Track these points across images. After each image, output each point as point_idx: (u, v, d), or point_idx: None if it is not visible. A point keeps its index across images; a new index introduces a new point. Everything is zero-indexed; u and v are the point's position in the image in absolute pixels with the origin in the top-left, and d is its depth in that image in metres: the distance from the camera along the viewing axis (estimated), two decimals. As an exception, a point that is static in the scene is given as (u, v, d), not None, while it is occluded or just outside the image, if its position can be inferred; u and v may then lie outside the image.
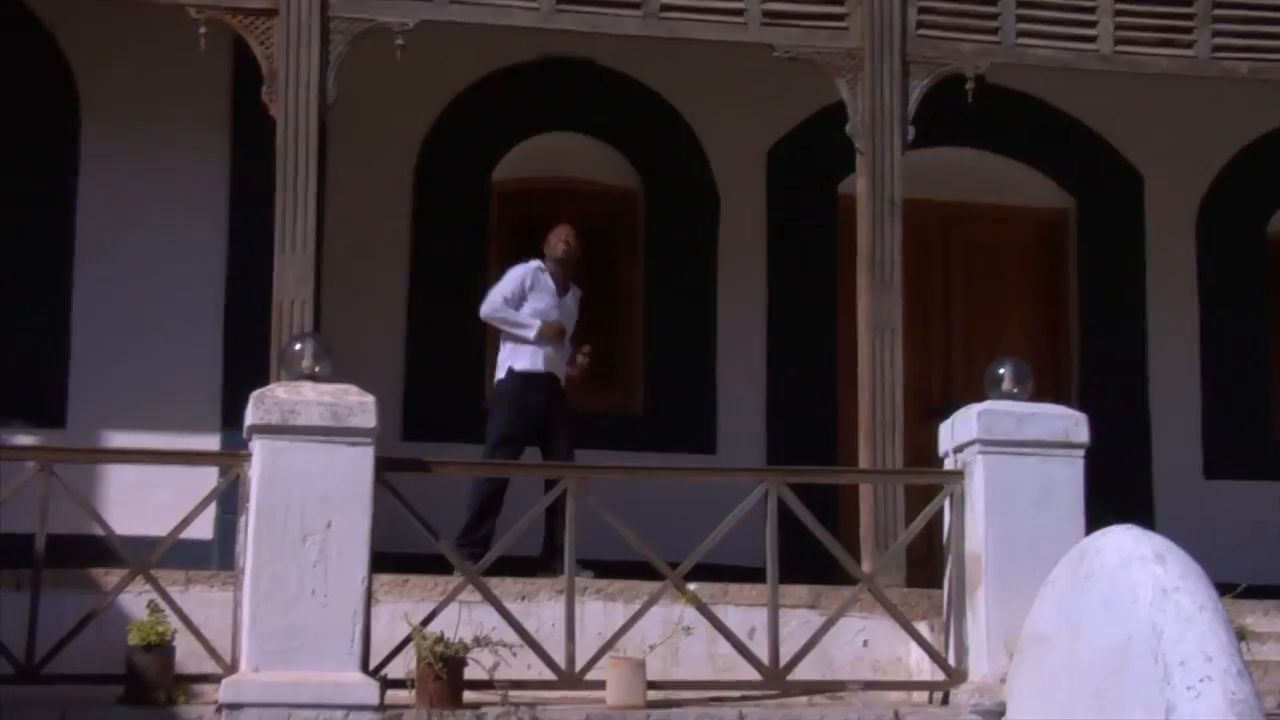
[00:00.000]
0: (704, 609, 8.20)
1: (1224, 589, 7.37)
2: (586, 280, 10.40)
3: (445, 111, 11.12)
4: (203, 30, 8.94)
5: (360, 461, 7.56)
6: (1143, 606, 6.88)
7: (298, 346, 7.95)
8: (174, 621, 7.55)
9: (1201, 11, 9.94)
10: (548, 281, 9.77)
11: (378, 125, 10.72)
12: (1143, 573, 6.99)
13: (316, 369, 7.80)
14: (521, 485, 9.28)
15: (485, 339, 11.07)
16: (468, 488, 9.42)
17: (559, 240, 9.83)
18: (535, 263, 9.82)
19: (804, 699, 8.18)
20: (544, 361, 9.66)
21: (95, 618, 7.62)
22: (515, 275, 9.77)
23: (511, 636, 7.85)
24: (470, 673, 7.64)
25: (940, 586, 8.40)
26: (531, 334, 9.62)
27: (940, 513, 8.32)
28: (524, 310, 9.68)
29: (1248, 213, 11.99)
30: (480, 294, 11.19)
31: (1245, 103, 11.55)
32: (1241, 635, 7.40)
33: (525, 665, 7.93)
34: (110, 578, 8.02)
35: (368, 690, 7.38)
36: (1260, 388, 11.90)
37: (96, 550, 8.11)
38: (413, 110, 11.01)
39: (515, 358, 9.67)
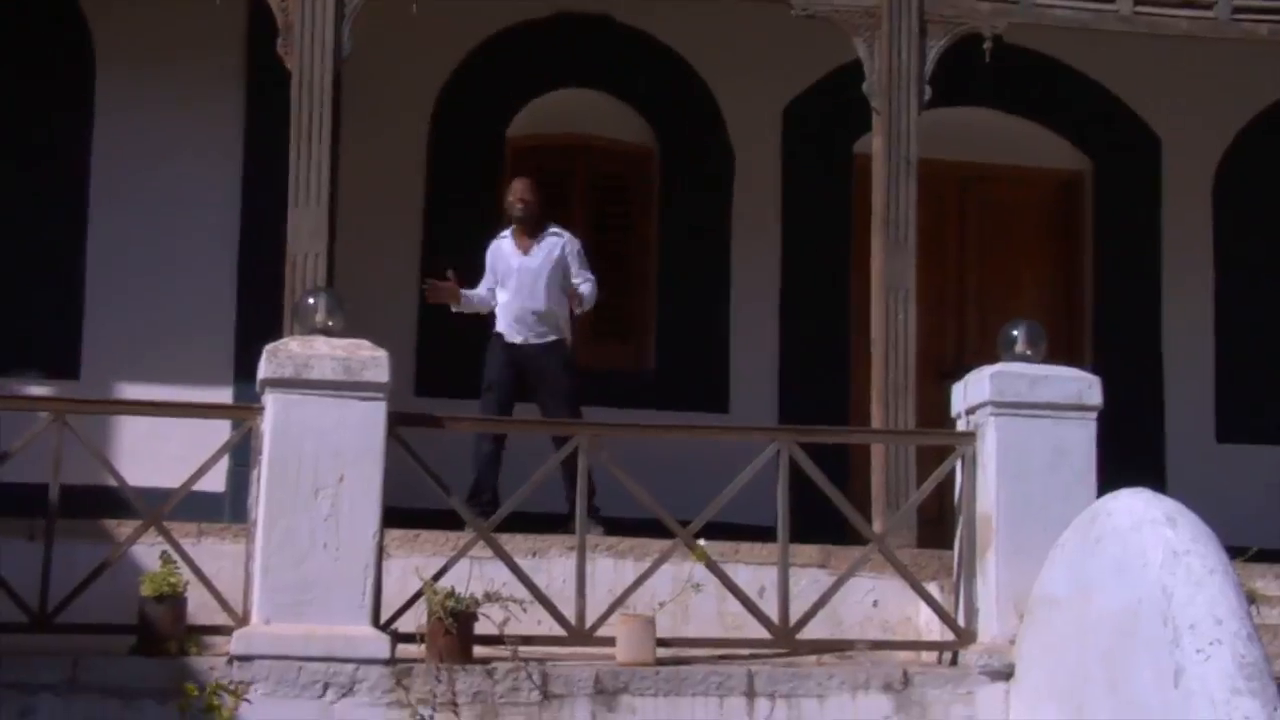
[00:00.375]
0: (714, 567, 8.21)
1: (1235, 552, 7.37)
2: (597, 237, 10.37)
3: (460, 67, 11.09)
4: (218, -18, 8.93)
5: (372, 416, 7.57)
6: (1153, 569, 6.89)
7: (311, 300, 7.95)
8: (186, 573, 7.56)
9: (1222, -28, 9.89)
10: (506, 245, 9.68)
11: (392, 80, 10.70)
12: (1153, 536, 7.00)
13: (330, 323, 7.80)
14: (539, 442, 9.20)
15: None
16: (470, 448, 9.47)
17: (514, 198, 9.71)
18: (501, 233, 9.79)
19: (813, 658, 8.19)
20: (512, 329, 9.62)
21: (108, 568, 7.64)
22: (487, 257, 9.77)
23: (522, 592, 7.87)
24: (481, 628, 7.66)
25: (951, 547, 8.40)
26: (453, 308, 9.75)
27: (952, 474, 8.31)
28: (499, 279, 9.68)
29: (1265, 176, 11.94)
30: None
31: (1264, 65, 11.47)
32: (1252, 599, 7.39)
33: (535, 621, 7.95)
34: (123, 529, 8.04)
35: (378, 644, 7.41)
36: (1274, 351, 11.86)
37: (109, 501, 8.12)
38: (427, 65, 10.98)
39: (495, 320, 9.74)
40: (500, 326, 9.67)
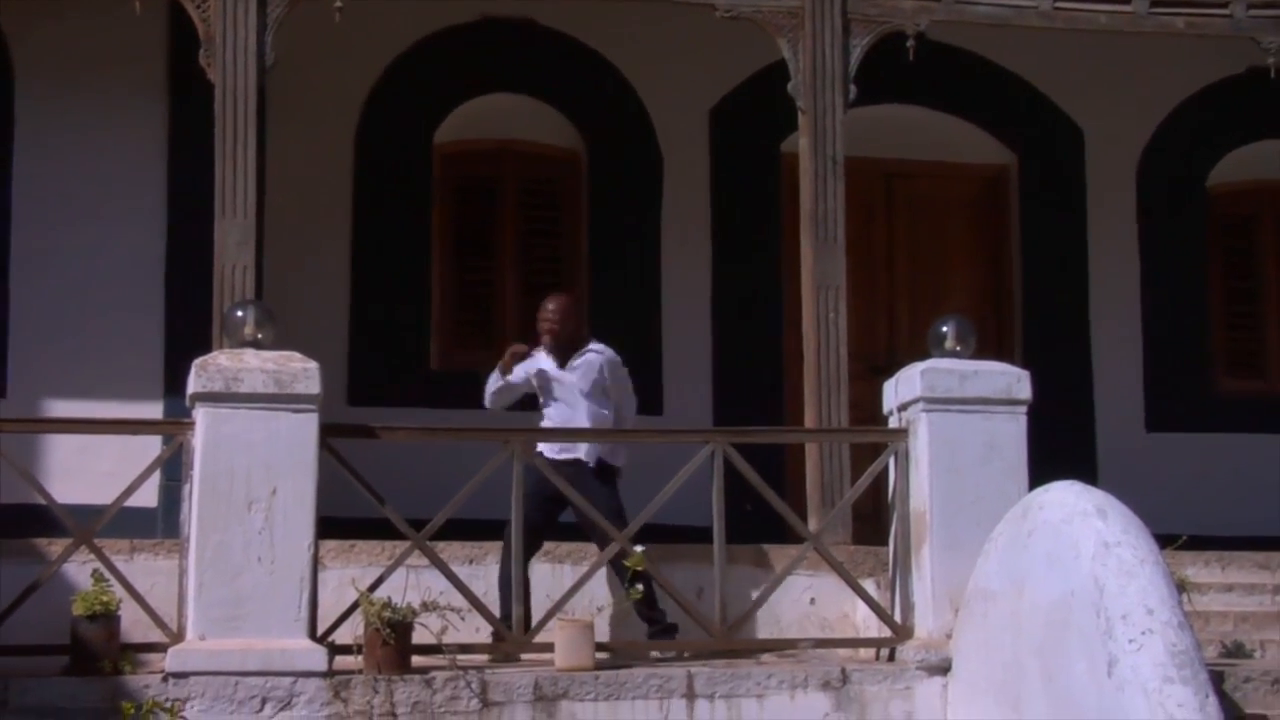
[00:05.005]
0: (651, 569, 8.22)
1: (1165, 541, 7.45)
2: (527, 242, 10.33)
3: (385, 74, 11.05)
4: (138, -6, 8.85)
5: (304, 428, 7.53)
6: (1085, 561, 6.96)
7: (240, 313, 7.90)
8: (119, 591, 7.50)
9: (1138, -33, 9.99)
10: (545, 360, 8.94)
11: (317, 89, 10.64)
12: (1084, 528, 7.07)
13: (259, 335, 7.75)
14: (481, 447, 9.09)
15: (429, 303, 11.07)
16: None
17: (540, 317, 8.96)
18: (537, 349, 9.02)
19: (752, 658, 8.23)
20: (552, 444, 8.70)
21: (39, 588, 7.56)
22: (525, 364, 9.00)
23: (459, 600, 7.86)
24: (418, 637, 7.64)
25: (886, 544, 8.45)
26: (494, 379, 9.00)
27: (885, 471, 8.36)
28: (536, 391, 8.96)
29: (1187, 166, 12.07)
30: (424, 259, 11.17)
31: (1183, 57, 11.62)
32: (1182, 587, 7.48)
33: (474, 629, 7.95)
34: (54, 547, 7.97)
35: (315, 656, 7.37)
36: (1201, 340, 12.01)
37: (39, 520, 8.05)
38: (352, 73, 10.93)
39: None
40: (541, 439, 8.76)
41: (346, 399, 10.42)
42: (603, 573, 8.28)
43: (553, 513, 8.58)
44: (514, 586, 8.01)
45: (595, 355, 8.91)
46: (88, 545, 7.66)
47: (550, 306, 8.95)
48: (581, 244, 11.34)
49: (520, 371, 8.97)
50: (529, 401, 9.11)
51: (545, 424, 8.92)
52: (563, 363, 8.89)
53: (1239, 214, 12.30)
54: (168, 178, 10.12)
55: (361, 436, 8.08)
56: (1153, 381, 11.88)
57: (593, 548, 8.47)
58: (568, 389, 8.85)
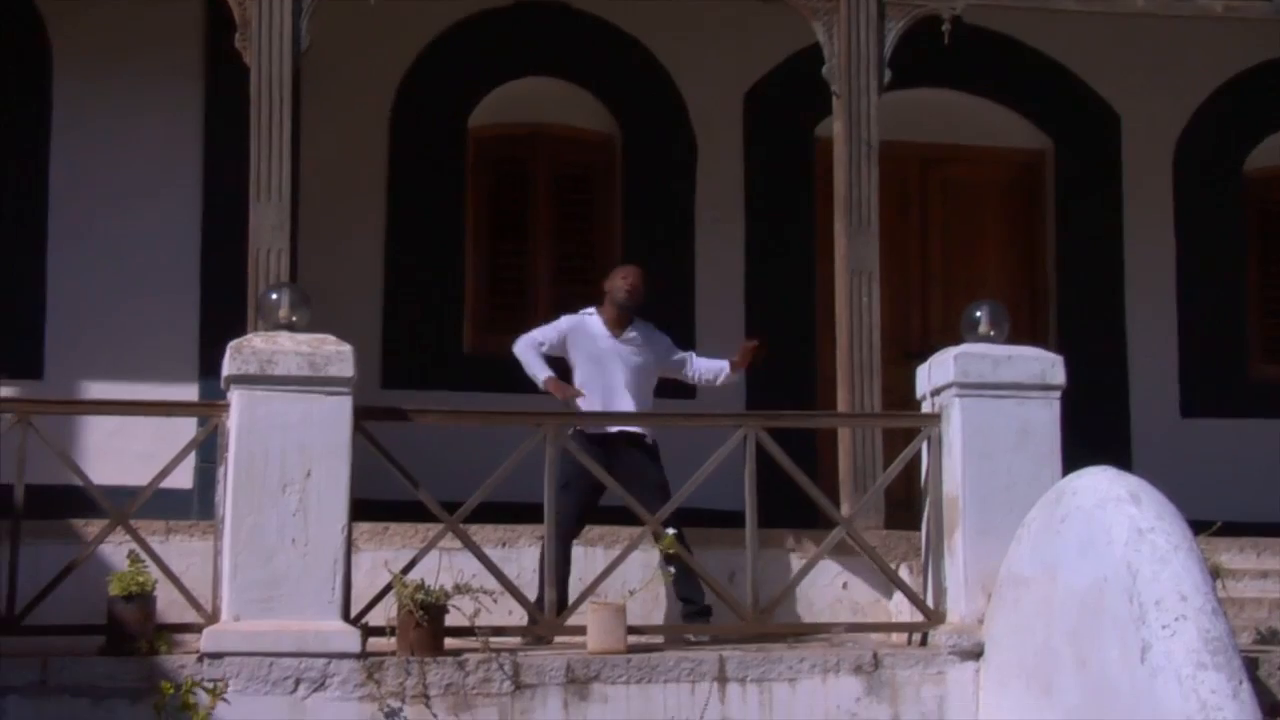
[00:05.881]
0: (682, 553, 8.23)
1: (1199, 527, 7.42)
2: (561, 225, 10.32)
3: (420, 58, 11.06)
4: (174, -22, 8.89)
5: (339, 411, 7.56)
6: (1118, 547, 6.94)
7: (274, 296, 7.93)
8: (154, 571, 7.55)
9: (1176, -51, 9.94)
10: (595, 325, 8.92)
11: (352, 72, 10.67)
12: (1118, 513, 7.05)
13: (293, 318, 7.78)
14: (514, 430, 9.11)
15: (463, 287, 11.09)
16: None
17: (624, 284, 8.92)
18: (586, 309, 9.04)
19: (784, 641, 8.24)
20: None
21: (76, 568, 7.62)
22: (558, 322, 9.01)
23: (492, 583, 7.88)
24: (451, 620, 7.67)
25: (918, 529, 8.44)
26: (539, 380, 8.88)
27: (918, 456, 8.35)
28: (576, 358, 8.91)
29: (1224, 151, 12.00)
30: (458, 242, 11.18)
31: (1220, 40, 11.55)
32: (1216, 573, 7.45)
33: (506, 611, 7.98)
34: (90, 528, 8.03)
35: (349, 638, 7.41)
36: (1236, 326, 11.94)
37: (76, 501, 8.09)
38: (387, 57, 10.95)
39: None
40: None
41: (380, 382, 10.45)
42: (635, 555, 8.28)
43: (600, 494, 8.56)
44: (546, 569, 8.03)
45: (645, 326, 8.99)
46: (124, 526, 7.71)
47: (636, 277, 8.96)
48: (615, 228, 11.34)
49: (557, 334, 8.93)
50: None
51: (585, 390, 8.82)
52: (618, 331, 8.90)
53: (1276, 199, 12.21)
54: (203, 161, 10.15)
55: (395, 419, 8.11)
56: (1187, 367, 11.82)
57: (625, 530, 8.47)
58: (618, 355, 8.85)
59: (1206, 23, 10.39)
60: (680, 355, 9.18)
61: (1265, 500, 10.99)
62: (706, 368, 9.18)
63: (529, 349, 8.94)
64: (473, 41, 11.08)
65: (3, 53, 10.15)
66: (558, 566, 8.22)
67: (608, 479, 8.28)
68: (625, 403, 8.83)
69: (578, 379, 8.90)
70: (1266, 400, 11.74)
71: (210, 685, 7.17)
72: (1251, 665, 7.11)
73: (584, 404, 8.80)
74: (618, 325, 8.93)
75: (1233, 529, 8.92)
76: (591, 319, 8.97)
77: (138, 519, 7.81)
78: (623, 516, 8.41)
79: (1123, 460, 9.08)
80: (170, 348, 9.98)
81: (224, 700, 7.17)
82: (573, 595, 8.21)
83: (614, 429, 8.70)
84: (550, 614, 7.98)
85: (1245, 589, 8.95)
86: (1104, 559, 6.98)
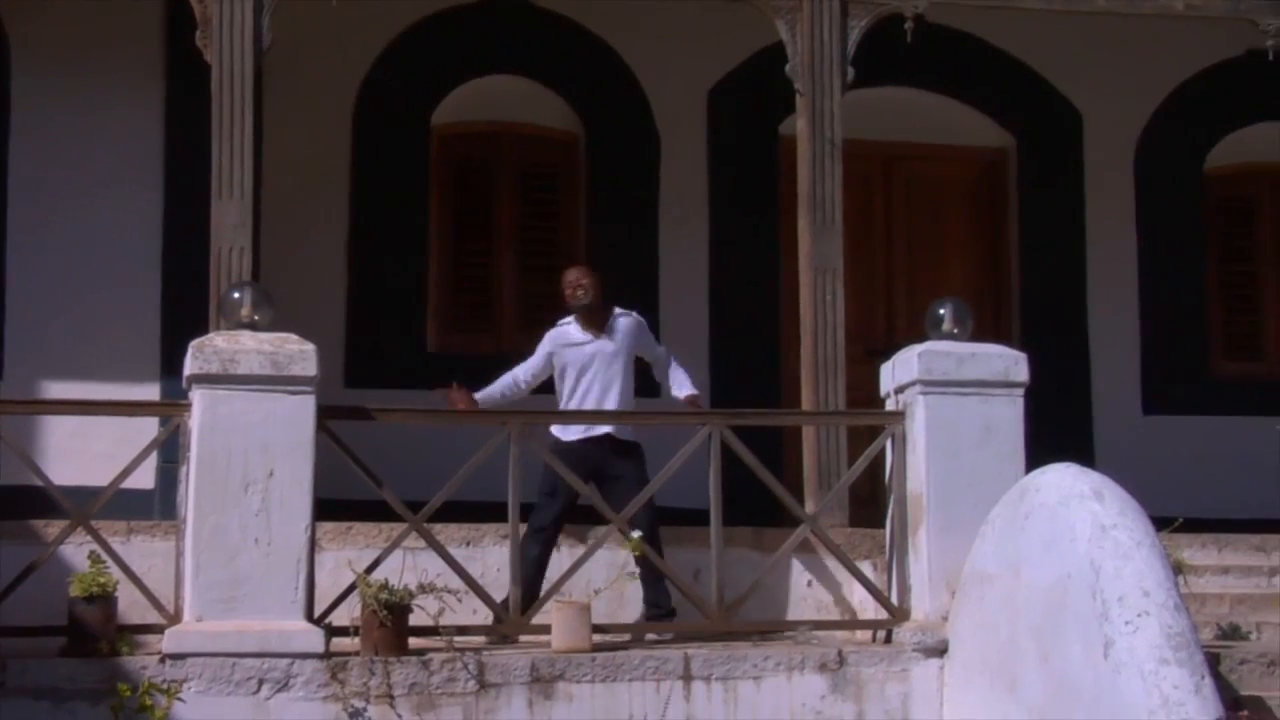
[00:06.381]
0: (647, 552, 8.23)
1: (1161, 523, 7.46)
2: (525, 224, 10.28)
3: (382, 55, 11.02)
4: (133, -25, 8.83)
5: (301, 410, 7.53)
6: (1081, 544, 6.96)
7: (236, 295, 7.89)
8: (116, 572, 7.50)
9: (1136, -52, 9.98)
10: (574, 332, 8.85)
11: (314, 70, 10.63)
12: (1081, 510, 7.07)
13: (256, 317, 7.74)
14: (479, 430, 9.09)
15: (426, 286, 11.05)
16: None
17: (570, 290, 8.82)
18: (562, 320, 8.95)
19: (749, 639, 8.24)
20: (575, 429, 8.67)
21: (36, 569, 7.57)
22: (540, 346, 8.92)
23: (456, 582, 7.86)
24: (415, 619, 7.65)
25: (883, 526, 8.46)
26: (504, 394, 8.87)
27: (882, 453, 8.36)
28: (562, 369, 8.79)
29: (1185, 149, 12.06)
30: (421, 241, 11.14)
31: (1181, 39, 11.60)
32: (1178, 569, 7.49)
33: (471, 611, 7.96)
34: (51, 529, 7.97)
35: (312, 638, 7.38)
36: (1198, 323, 12.01)
37: (36, 501, 8.03)
38: (349, 54, 10.91)
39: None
40: (559, 427, 8.73)
41: (344, 381, 10.41)
42: (600, 554, 8.26)
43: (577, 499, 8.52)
44: (518, 569, 8.01)
45: (628, 318, 8.90)
46: (85, 527, 7.66)
47: (578, 275, 8.87)
48: (579, 226, 11.33)
49: (510, 376, 8.89)
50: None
51: (572, 403, 8.79)
52: (596, 332, 8.82)
53: (1237, 197, 12.28)
54: (164, 159, 10.10)
55: (358, 418, 8.08)
56: (1150, 364, 11.88)
57: (590, 529, 8.46)
58: (606, 359, 8.78)
59: (1167, 21, 10.44)
60: (660, 351, 9.11)
61: (1227, 496, 11.05)
62: (675, 380, 9.06)
63: (495, 389, 8.87)
64: (436, 39, 11.05)
65: (-40, 49, 10.08)
66: (534, 567, 8.22)
67: (581, 486, 8.25)
68: (614, 405, 8.75)
69: (567, 389, 8.82)
70: (1228, 397, 11.81)
71: (166, 686, 7.12)
72: (1213, 661, 7.15)
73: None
74: (593, 326, 8.85)
75: (1194, 525, 8.97)
76: (570, 327, 8.90)
77: (99, 519, 7.76)
78: (596, 516, 8.40)
79: (1085, 457, 9.12)
80: (132, 347, 9.93)
81: (180, 700, 7.12)
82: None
83: (599, 432, 8.62)
84: (515, 613, 7.97)
85: (1207, 585, 8.99)
86: (1067, 556, 7.00)
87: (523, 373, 8.94)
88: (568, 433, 8.70)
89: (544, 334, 9.02)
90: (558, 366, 8.88)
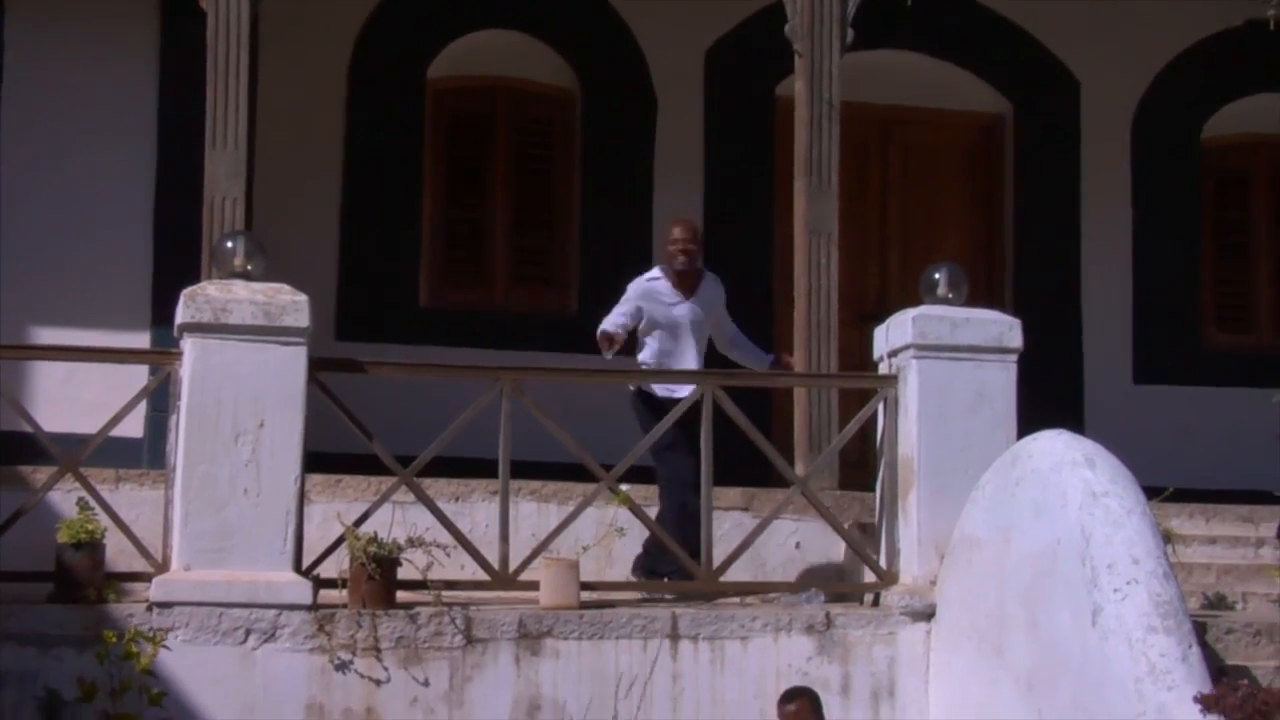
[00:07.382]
0: (637, 510, 8.22)
1: (1152, 493, 7.46)
2: (519, 180, 10.23)
3: (379, 7, 10.96)
4: (130, -80, 8.76)
5: (293, 361, 7.51)
6: (1072, 510, 6.96)
7: (229, 244, 7.86)
8: (104, 519, 7.49)
9: (1139, -86, 9.94)
10: (664, 289, 8.71)
11: (311, 20, 10.56)
12: (1073, 477, 7.07)
13: (248, 267, 7.72)
14: (470, 385, 9.03)
15: (419, 240, 11.01)
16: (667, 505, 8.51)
17: (674, 249, 8.68)
18: (650, 273, 8.83)
19: (736, 600, 8.24)
20: (667, 388, 8.55)
21: (24, 515, 7.55)
22: (629, 295, 8.71)
23: (445, 537, 7.86)
24: (404, 573, 7.65)
25: (873, 490, 8.46)
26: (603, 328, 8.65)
27: (874, 417, 8.35)
28: (650, 324, 8.66)
29: (1182, 118, 12.03)
30: (415, 194, 11.09)
31: (1180, 8, 11.56)
32: (1168, 538, 7.49)
33: (459, 566, 7.95)
34: (39, 475, 7.96)
35: (300, 589, 7.38)
36: (1191, 293, 12.00)
37: (25, 448, 8.03)
38: (346, 6, 10.84)
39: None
40: (656, 382, 8.62)
41: (335, 334, 10.39)
42: (589, 512, 8.25)
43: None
44: (500, 525, 7.99)
45: (716, 287, 8.84)
46: (73, 473, 7.64)
47: (686, 235, 8.69)
48: (574, 183, 11.28)
49: (633, 308, 8.67)
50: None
51: (659, 357, 8.70)
52: (686, 294, 8.74)
53: (1233, 167, 12.26)
54: (158, 108, 10.03)
55: (350, 370, 8.07)
56: (1141, 333, 11.88)
57: (579, 486, 8.43)
58: (692, 325, 8.71)
59: (1167, -11, 10.42)
60: (731, 328, 9.02)
61: (1216, 467, 11.06)
62: (752, 352, 9.03)
63: (612, 324, 8.62)
64: (433, -9, 10.98)
65: (-49, -2, 9.99)
66: (690, 522, 8.17)
67: (567, 438, 8.20)
68: (699, 360, 8.69)
69: (651, 346, 8.73)
70: (1219, 368, 11.82)
71: (152, 634, 7.11)
72: (1201, 630, 7.16)
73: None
74: (684, 287, 8.72)
75: (1183, 495, 8.98)
76: (659, 283, 8.75)
77: (87, 467, 7.74)
78: (577, 473, 8.37)
79: (1075, 425, 9.07)
80: (123, 295, 9.89)
81: (165, 648, 7.11)
82: (525, 550, 8.15)
83: (680, 392, 8.45)
84: (502, 568, 7.96)
85: (1194, 554, 9.01)
86: (1058, 522, 7.01)
87: (624, 319, 8.67)
88: (661, 389, 8.58)
89: (628, 286, 8.76)
90: (645, 320, 8.74)
